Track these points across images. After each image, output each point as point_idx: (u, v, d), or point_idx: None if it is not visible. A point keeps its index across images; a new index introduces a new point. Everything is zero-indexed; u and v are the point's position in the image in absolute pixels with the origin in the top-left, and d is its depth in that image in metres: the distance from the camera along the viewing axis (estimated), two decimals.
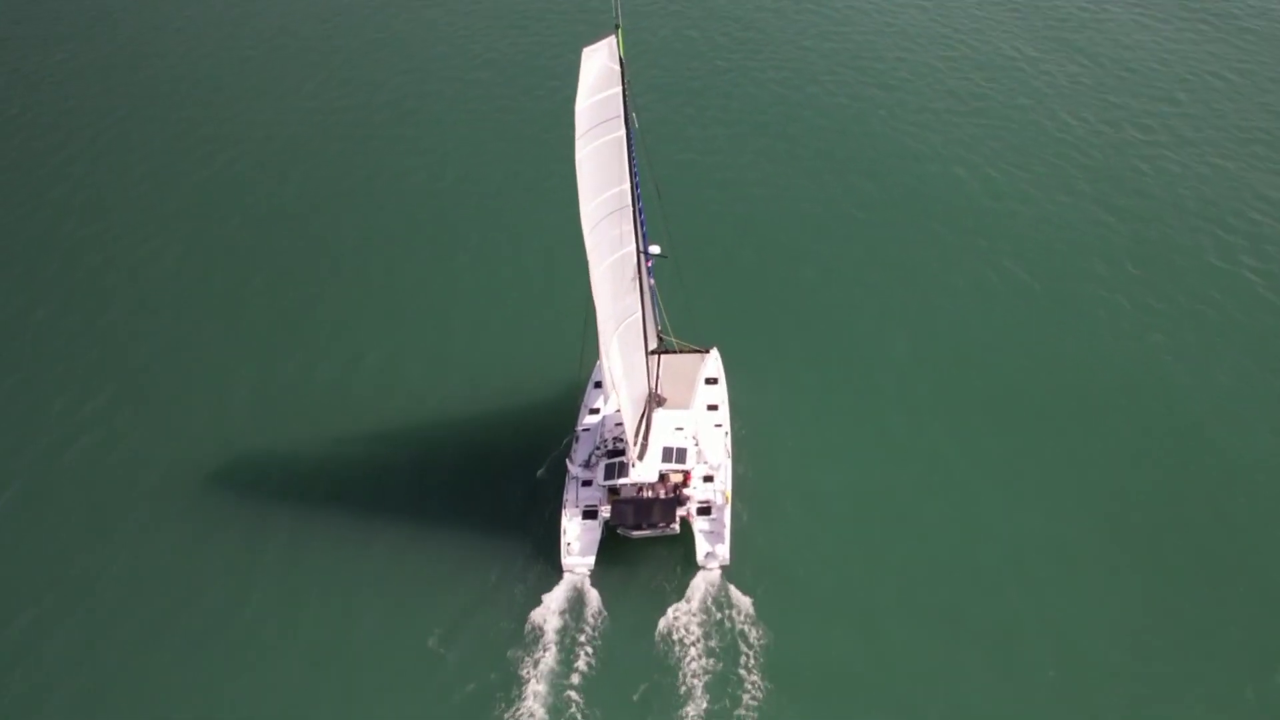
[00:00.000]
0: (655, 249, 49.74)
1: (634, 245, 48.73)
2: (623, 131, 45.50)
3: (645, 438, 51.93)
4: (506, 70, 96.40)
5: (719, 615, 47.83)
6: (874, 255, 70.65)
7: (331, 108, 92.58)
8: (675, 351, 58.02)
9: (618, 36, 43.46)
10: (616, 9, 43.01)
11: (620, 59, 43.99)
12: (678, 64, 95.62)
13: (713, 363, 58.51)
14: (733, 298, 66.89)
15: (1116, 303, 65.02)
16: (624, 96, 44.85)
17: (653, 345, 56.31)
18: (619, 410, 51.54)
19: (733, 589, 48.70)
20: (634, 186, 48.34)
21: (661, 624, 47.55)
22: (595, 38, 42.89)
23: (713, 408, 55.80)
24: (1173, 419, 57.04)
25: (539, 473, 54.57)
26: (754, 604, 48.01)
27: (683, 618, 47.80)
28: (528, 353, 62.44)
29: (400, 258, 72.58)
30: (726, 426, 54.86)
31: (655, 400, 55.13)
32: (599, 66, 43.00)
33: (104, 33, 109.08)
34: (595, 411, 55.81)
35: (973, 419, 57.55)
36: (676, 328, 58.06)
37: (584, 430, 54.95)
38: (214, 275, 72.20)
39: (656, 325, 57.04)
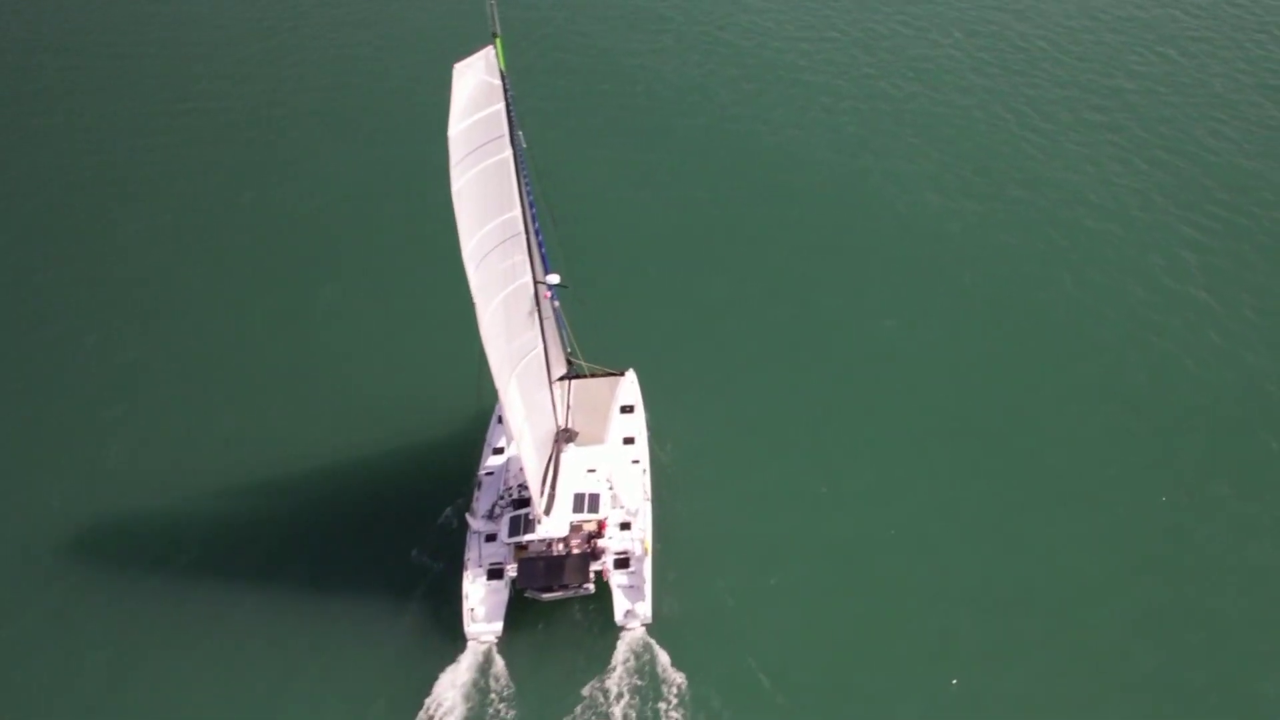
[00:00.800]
0: (554, 278, 44.27)
1: (529, 275, 43.28)
2: (509, 152, 39.92)
3: (553, 485, 46.72)
4: (378, 91, 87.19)
5: (643, 683, 43.11)
6: (791, 265, 65.52)
7: (189, 134, 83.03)
8: (586, 376, 52.73)
9: (496, 47, 37.76)
10: (493, 17, 37.26)
11: (501, 72, 38.31)
12: (565, 74, 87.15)
13: (628, 387, 53.44)
14: (645, 317, 61.56)
15: (1055, 318, 60.76)
16: (508, 113, 39.20)
17: (557, 373, 51.01)
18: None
19: (658, 651, 44.01)
20: (528, 209, 42.88)
21: (579, 696, 42.79)
22: (470, 50, 37.08)
23: (629, 441, 50.77)
24: (1125, 437, 53.28)
25: (446, 515, 49.46)
26: (682, 668, 43.35)
27: (603, 688, 43.01)
28: (423, 388, 56.46)
29: (275, 294, 65.16)
30: (645, 463, 49.89)
31: (565, 436, 49.95)
32: (474, 83, 37.36)
33: None
34: (500, 451, 50.49)
35: (920, 444, 53.16)
36: (587, 352, 52.71)
37: (487, 474, 49.64)
38: (60, 318, 64.66)
39: (565, 349, 51.77)
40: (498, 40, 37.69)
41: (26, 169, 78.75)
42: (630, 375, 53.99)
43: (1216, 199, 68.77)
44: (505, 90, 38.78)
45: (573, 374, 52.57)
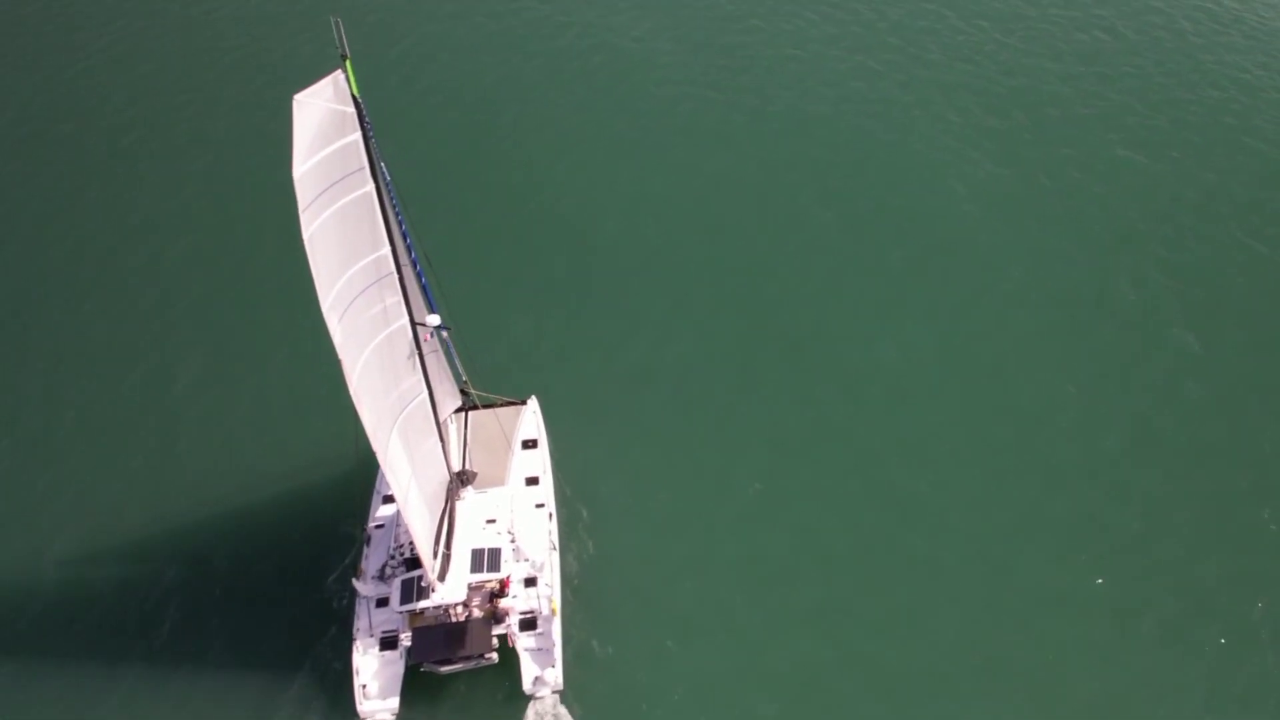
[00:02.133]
0: (434, 319, 39.57)
1: (406, 318, 38.55)
2: (370, 186, 35.02)
3: (448, 543, 42.27)
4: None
5: None
6: (692, 273, 60.36)
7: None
8: (482, 407, 48.15)
9: (347, 70, 32.76)
10: (340, 38, 32.24)
11: (354, 98, 33.34)
12: (419, 93, 76.73)
13: (530, 418, 48.96)
14: (543, 342, 56.16)
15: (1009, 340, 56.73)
16: (366, 142, 34.28)
17: (450, 408, 46.33)
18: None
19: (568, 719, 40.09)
20: (403, 244, 38.08)
21: None
22: (312, 78, 31.99)
23: (532, 481, 46.39)
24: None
25: (331, 577, 44.74)
26: None
27: None
28: (301, 437, 50.87)
29: (127, 352, 57.02)
30: (550, 505, 45.57)
31: (463, 479, 45.49)
32: (321, 113, 32.39)
33: None
34: (390, 499, 45.80)
35: (852, 486, 49.09)
36: (484, 382, 48.11)
37: (376, 528, 45.03)
38: None
39: (463, 379, 47.07)
40: (347, 63, 32.71)
41: None
42: (532, 404, 49.59)
43: None
44: (361, 117, 33.83)
45: (468, 405, 47.98)
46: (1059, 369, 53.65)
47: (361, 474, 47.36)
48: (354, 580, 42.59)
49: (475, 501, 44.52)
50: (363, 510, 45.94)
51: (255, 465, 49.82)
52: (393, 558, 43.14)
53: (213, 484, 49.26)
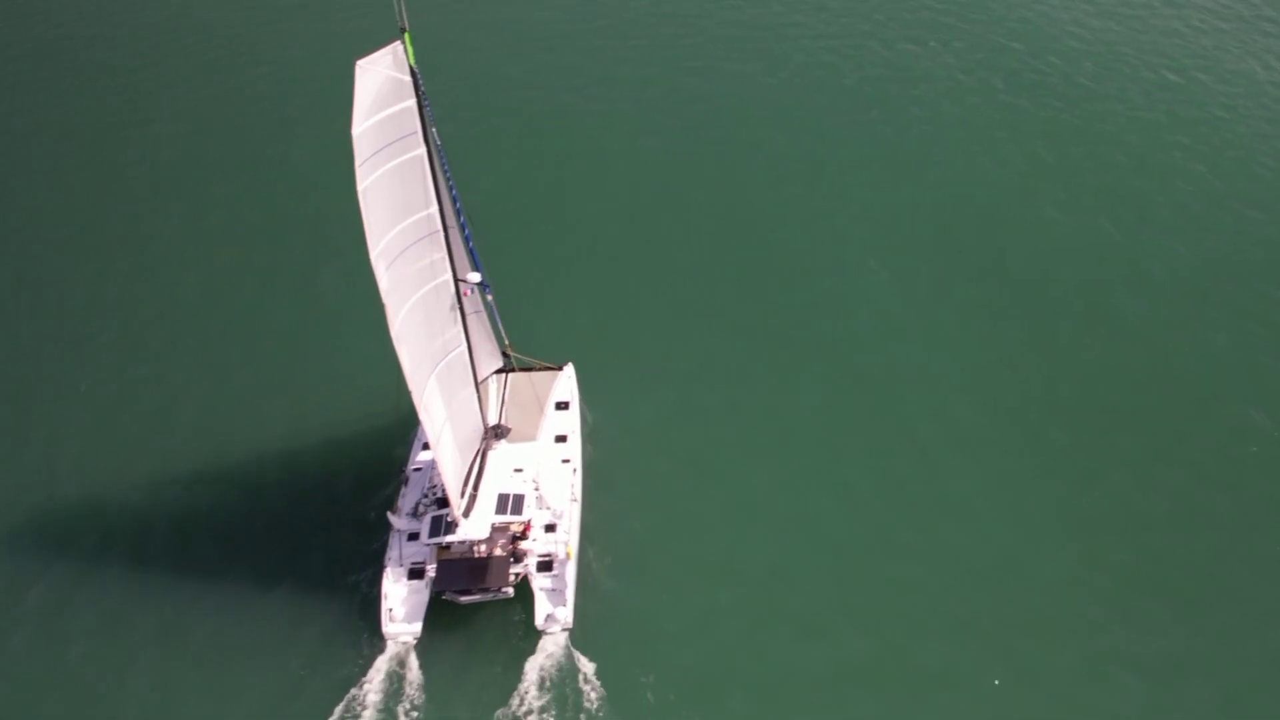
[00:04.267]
0: (475, 276, 43.18)
1: (449, 273, 42.20)
2: (422, 150, 38.74)
3: (476, 485, 45.84)
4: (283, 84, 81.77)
5: (560, 689, 42.47)
6: (737, 253, 64.09)
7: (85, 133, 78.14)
8: (521, 370, 51.73)
9: (405, 42, 36.48)
10: (400, 12, 35.93)
11: (411, 67, 37.06)
12: (478, 64, 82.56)
13: (565, 382, 52.41)
14: (584, 311, 60.08)
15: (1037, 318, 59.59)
16: (420, 109, 37.99)
17: (491, 368, 50.05)
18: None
19: (577, 656, 43.39)
20: (452, 204, 41.83)
21: (495, 703, 42.11)
22: (376, 46, 35.81)
23: (561, 439, 49.79)
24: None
25: (371, 513, 48.53)
26: (599, 674, 42.74)
27: (520, 691, 42.37)
28: (348, 385, 54.93)
29: (189, 296, 62.59)
30: (576, 462, 48.93)
31: (497, 433, 49.06)
32: (380, 80, 36.12)
33: None
34: (428, 447, 49.37)
35: (874, 445, 52.03)
36: (525, 346, 51.70)
37: (415, 470, 48.75)
38: None
39: (505, 341, 50.79)
40: (406, 35, 36.42)
41: None
42: (568, 370, 53.01)
43: None
44: (417, 85, 37.55)
45: (509, 368, 51.60)
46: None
47: (402, 425, 51.29)
48: (389, 515, 46.32)
49: (506, 451, 48.06)
50: (403, 455, 49.66)
51: (305, 414, 54.04)
52: (425, 496, 46.85)
53: (264, 429, 53.54)
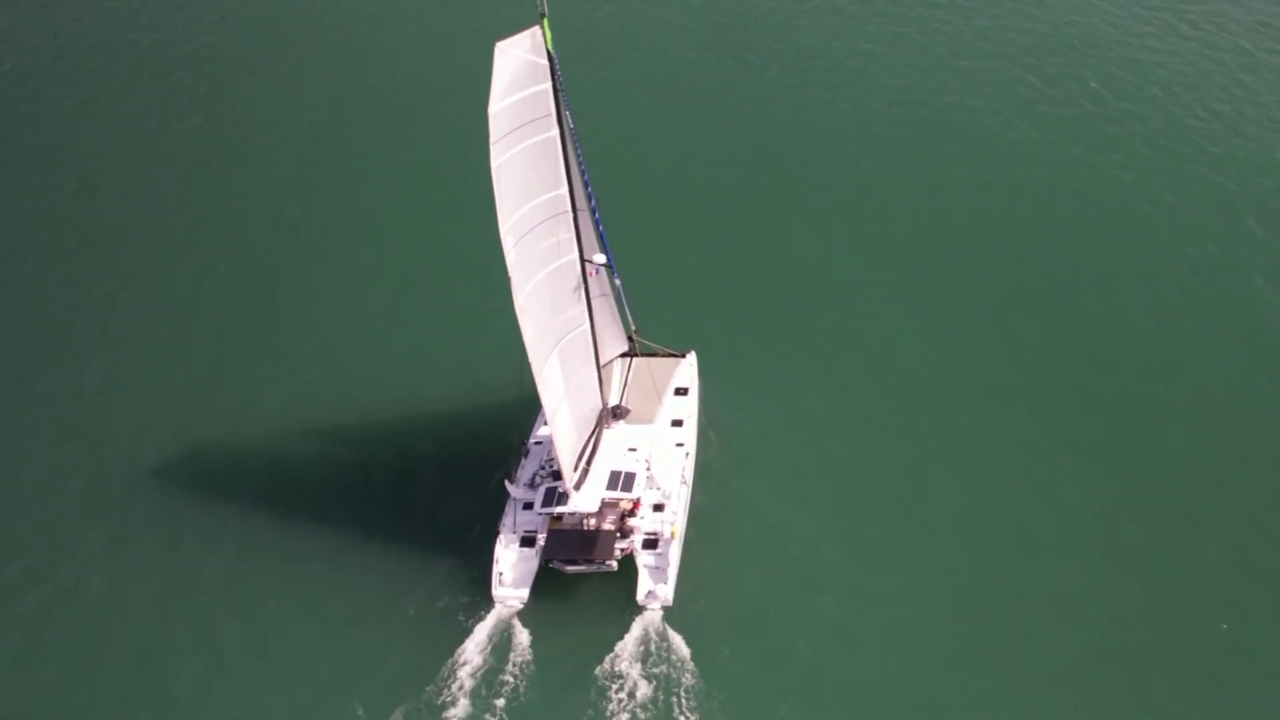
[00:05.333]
0: (600, 257, 44.80)
1: (575, 253, 43.88)
2: (554, 131, 40.56)
3: (589, 461, 47.40)
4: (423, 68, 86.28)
5: (652, 664, 43.57)
6: (871, 252, 64.44)
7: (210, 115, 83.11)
8: (645, 354, 53.15)
9: (544, 27, 38.31)
10: None
11: (549, 51, 38.86)
12: (615, 53, 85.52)
13: (686, 370, 53.56)
14: (713, 303, 61.32)
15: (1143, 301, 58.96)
16: (555, 93, 39.76)
17: (616, 351, 51.73)
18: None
19: (672, 635, 44.39)
20: (584, 188, 43.66)
21: (590, 669, 43.49)
22: (515, 30, 37.74)
23: (677, 423, 50.96)
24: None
25: (491, 485, 50.56)
26: (691, 655, 43.62)
27: (613, 663, 43.67)
28: (476, 361, 57.40)
29: (332, 265, 66.58)
30: (689, 447, 50.04)
31: (616, 413, 50.58)
32: (517, 62, 38.06)
33: None
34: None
35: (1018, 471, 51.27)
36: (651, 332, 53.14)
37: (536, 444, 50.65)
38: (142, 280, 66.86)
39: (632, 326, 52.42)
40: (545, 21, 38.23)
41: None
42: (691, 358, 54.13)
43: None
44: (553, 69, 39.33)
45: (633, 352, 53.12)
46: None
47: (524, 403, 52.88)
48: (507, 483, 48.26)
49: (622, 431, 49.52)
50: (524, 430, 51.59)
51: (432, 388, 56.67)
52: (543, 468, 48.72)
53: (390, 402, 56.41)
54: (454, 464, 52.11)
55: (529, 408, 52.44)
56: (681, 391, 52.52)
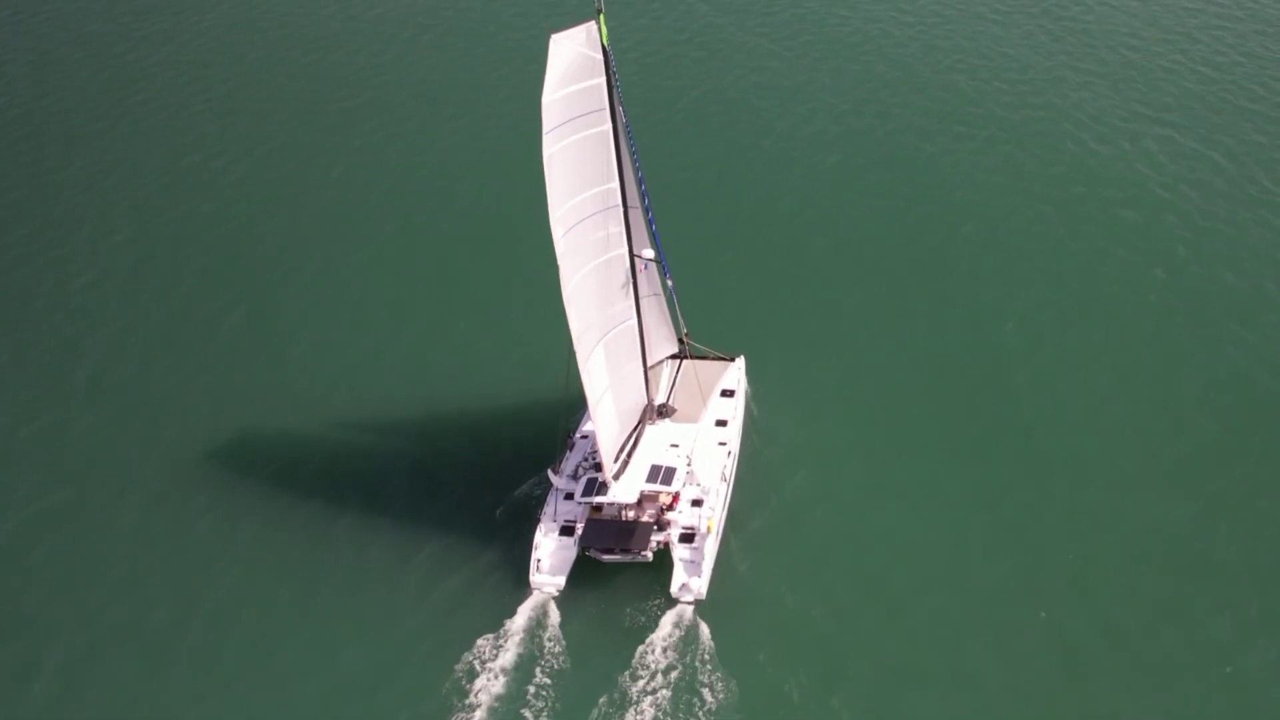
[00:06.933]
0: (649, 252, 45.72)
1: (625, 248, 44.82)
2: (607, 126, 41.66)
3: (629, 454, 48.16)
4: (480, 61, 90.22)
5: (683, 655, 44.03)
6: (930, 264, 64.77)
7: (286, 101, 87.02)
8: (694, 357, 53.92)
9: (599, 22, 39.47)
10: None
11: (604, 46, 40.00)
12: (669, 52, 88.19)
13: (734, 373, 54.18)
14: (762, 308, 62.05)
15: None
16: (609, 88, 40.88)
17: (666, 352, 52.62)
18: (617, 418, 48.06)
19: (704, 628, 44.85)
20: (636, 184, 44.71)
21: (621, 658, 44.10)
22: (570, 24, 38.97)
23: (721, 423, 51.53)
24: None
25: (533, 479, 51.47)
26: (721, 649, 44.04)
27: (644, 653, 44.22)
28: (525, 357, 58.86)
29: (379, 257, 68.66)
30: (732, 446, 50.57)
31: (661, 411, 51.32)
32: (572, 55, 39.20)
33: None
34: None
35: (1042, 472, 51.38)
36: (702, 334, 53.92)
37: (581, 437, 51.53)
38: (174, 274, 68.59)
39: (684, 329, 53.31)
40: (601, 16, 39.36)
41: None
42: (739, 361, 54.74)
43: None
44: (608, 64, 40.43)
45: (683, 354, 53.91)
46: None
47: (570, 398, 53.85)
48: (550, 473, 49.17)
49: (666, 428, 50.25)
50: (571, 422, 52.48)
51: (479, 383, 58.07)
52: (586, 460, 49.56)
53: (445, 393, 57.79)
54: (498, 456, 53.11)
55: (577, 402, 53.43)
56: (728, 393, 53.12)
